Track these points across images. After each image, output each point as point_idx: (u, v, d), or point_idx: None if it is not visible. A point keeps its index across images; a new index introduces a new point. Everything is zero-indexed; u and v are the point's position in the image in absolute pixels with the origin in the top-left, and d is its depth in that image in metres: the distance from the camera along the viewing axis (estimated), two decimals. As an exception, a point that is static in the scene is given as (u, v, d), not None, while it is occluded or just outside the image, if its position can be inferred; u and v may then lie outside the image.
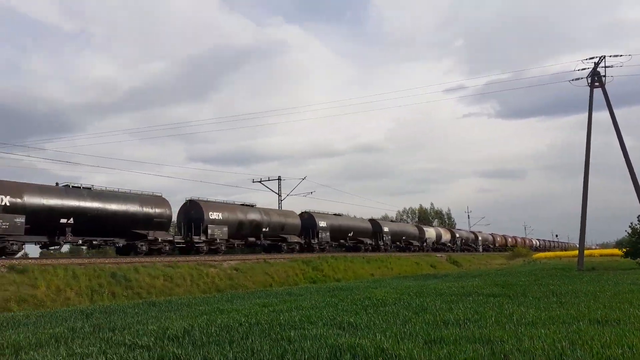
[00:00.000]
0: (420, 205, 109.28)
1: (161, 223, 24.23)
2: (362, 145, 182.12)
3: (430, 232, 54.21)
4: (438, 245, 54.92)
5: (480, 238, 69.72)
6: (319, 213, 37.07)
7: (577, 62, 45.04)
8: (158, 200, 24.82)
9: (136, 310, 9.94)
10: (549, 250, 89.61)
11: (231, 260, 24.37)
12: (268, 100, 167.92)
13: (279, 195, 48.99)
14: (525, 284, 12.96)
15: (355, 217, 43.99)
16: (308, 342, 5.51)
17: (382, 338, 5.57)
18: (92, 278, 16.42)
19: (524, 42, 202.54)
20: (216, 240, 26.54)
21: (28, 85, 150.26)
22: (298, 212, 35.82)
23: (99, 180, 67.78)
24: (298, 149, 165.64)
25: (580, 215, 25.05)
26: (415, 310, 8.01)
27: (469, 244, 64.48)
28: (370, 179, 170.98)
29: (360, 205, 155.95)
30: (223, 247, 27.43)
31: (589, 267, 24.48)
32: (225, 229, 27.13)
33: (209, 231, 26.04)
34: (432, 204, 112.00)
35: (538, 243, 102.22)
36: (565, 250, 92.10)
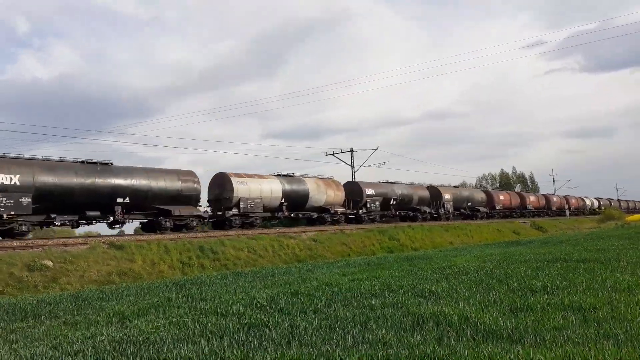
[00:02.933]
0: (502, 169, 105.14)
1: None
2: (435, 112, 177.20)
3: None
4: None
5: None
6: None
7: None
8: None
9: (224, 280, 10.50)
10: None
11: (309, 231, 24.94)
12: (335, 72, 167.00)
13: (352, 167, 49.07)
14: (618, 248, 12.17)
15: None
16: (390, 309, 5.58)
17: (465, 306, 5.51)
18: (182, 252, 17.51)
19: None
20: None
21: (111, 73, 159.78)
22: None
23: (181, 160, 71.20)
24: (368, 119, 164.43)
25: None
26: (499, 278, 7.80)
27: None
28: (445, 146, 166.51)
29: (436, 173, 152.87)
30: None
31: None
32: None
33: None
34: (514, 167, 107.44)
35: (630, 205, 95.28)
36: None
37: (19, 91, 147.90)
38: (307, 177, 31.05)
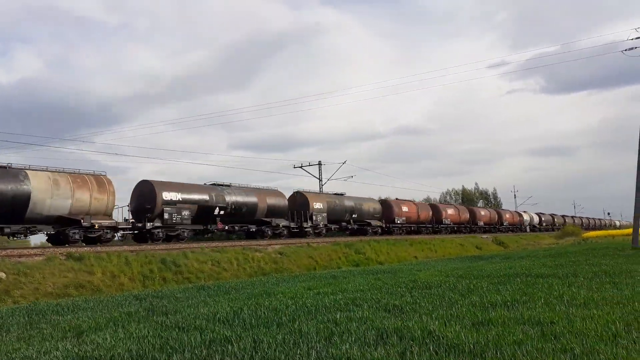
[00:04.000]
0: (463, 186, 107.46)
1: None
2: (403, 127, 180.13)
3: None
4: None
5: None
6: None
7: (631, 31, 42.65)
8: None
9: (186, 294, 10.29)
10: (600, 229, 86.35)
11: (276, 244, 24.78)
12: (307, 85, 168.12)
13: (320, 180, 49.23)
14: (575, 264, 12.58)
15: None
16: (354, 324, 5.58)
17: (429, 320, 5.56)
18: (144, 264, 17.08)
19: (571, 11, 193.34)
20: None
21: (77, 80, 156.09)
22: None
23: (146, 170, 69.89)
24: (338, 133, 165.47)
25: (635, 190, 23.97)
26: (462, 292, 7.93)
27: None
28: (412, 161, 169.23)
29: (401, 188, 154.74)
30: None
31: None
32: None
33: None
34: (476, 184, 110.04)
35: (588, 222, 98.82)
36: (618, 228, 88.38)
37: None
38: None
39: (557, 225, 76.86)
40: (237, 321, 6.15)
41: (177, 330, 5.85)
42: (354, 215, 36.85)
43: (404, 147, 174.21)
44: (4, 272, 13.73)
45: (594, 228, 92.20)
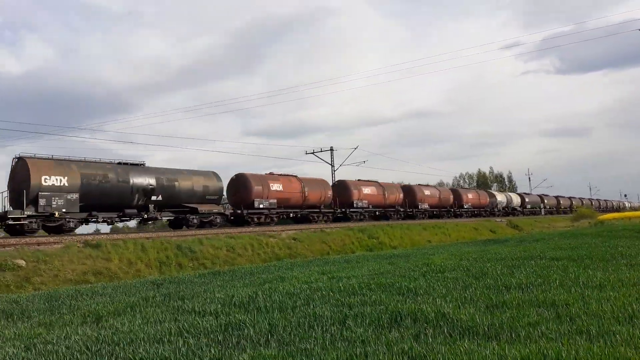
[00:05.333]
0: (479, 169, 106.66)
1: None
2: (415, 111, 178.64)
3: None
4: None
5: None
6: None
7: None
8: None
9: (202, 279, 10.41)
10: (616, 211, 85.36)
11: (289, 230, 24.91)
12: (315, 70, 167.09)
13: (332, 166, 49.16)
14: (591, 246, 12.47)
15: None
16: (368, 307, 5.61)
17: (443, 303, 5.58)
18: (160, 250, 17.30)
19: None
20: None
21: (86, 68, 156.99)
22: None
23: (159, 158, 70.50)
24: (348, 118, 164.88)
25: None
26: (476, 275, 7.92)
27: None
28: (424, 145, 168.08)
29: (414, 172, 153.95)
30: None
31: (662, 228, 23.10)
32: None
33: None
34: (491, 167, 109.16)
35: (606, 204, 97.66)
36: (629, 210, 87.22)
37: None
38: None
39: (563, 207, 75.79)
40: (252, 305, 6.22)
41: (193, 314, 5.94)
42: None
43: (415, 131, 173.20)
44: (24, 260, 14.01)
45: (611, 210, 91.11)
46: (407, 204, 41.10)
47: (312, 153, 49.95)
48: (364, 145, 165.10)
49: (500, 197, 57.53)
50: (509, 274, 7.86)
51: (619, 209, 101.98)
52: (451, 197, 48.62)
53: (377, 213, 38.79)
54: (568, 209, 76.52)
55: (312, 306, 5.92)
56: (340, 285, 7.49)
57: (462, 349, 3.78)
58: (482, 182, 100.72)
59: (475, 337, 4.20)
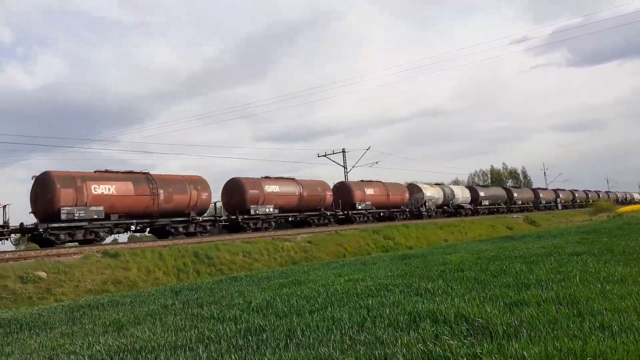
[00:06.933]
0: (492, 166, 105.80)
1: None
2: (425, 109, 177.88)
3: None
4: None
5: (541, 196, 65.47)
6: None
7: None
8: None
9: (220, 285, 10.47)
10: (635, 204, 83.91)
11: (304, 233, 24.94)
12: (325, 73, 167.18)
13: (345, 168, 49.15)
14: (611, 240, 12.28)
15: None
16: (387, 309, 5.59)
17: (461, 303, 5.54)
18: (177, 258, 17.45)
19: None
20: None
21: (97, 79, 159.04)
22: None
23: (173, 165, 71.13)
24: (360, 120, 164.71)
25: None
26: (494, 273, 7.85)
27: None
28: (437, 143, 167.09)
29: (427, 171, 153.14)
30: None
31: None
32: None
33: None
34: (504, 163, 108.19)
35: (624, 197, 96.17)
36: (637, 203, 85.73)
37: (5, 100, 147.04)
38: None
39: (579, 201, 74.85)
40: (270, 310, 6.25)
41: (212, 321, 5.98)
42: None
43: (427, 129, 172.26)
44: (45, 272, 14.22)
45: (630, 202, 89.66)
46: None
47: (325, 155, 50.07)
48: (376, 145, 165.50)
49: (430, 192, 43.83)
50: (527, 270, 7.78)
51: (638, 201, 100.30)
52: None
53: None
54: (584, 202, 75.54)
55: (330, 309, 5.93)
56: (358, 287, 7.49)
57: (482, 349, 3.76)
58: (497, 178, 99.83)
59: (495, 337, 4.17)
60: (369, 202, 35.71)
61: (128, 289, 13.94)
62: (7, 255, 15.16)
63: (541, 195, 64.73)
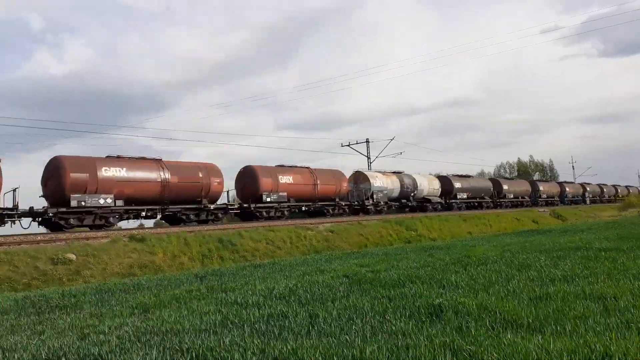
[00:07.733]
0: (519, 158, 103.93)
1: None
2: (450, 99, 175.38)
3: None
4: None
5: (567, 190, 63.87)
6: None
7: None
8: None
9: (243, 272, 10.60)
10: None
11: (326, 222, 25.01)
12: (349, 62, 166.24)
13: (368, 158, 48.96)
14: (641, 237, 11.97)
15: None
16: (409, 300, 5.60)
17: (485, 296, 5.51)
18: (202, 244, 17.73)
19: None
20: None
21: (124, 66, 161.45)
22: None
23: (200, 153, 72.04)
24: (383, 109, 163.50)
25: None
26: (518, 267, 7.76)
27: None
28: (462, 134, 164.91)
29: (452, 162, 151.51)
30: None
31: None
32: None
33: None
34: (531, 156, 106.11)
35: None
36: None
37: (34, 87, 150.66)
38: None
39: (608, 196, 72.98)
40: (292, 297, 6.31)
41: (236, 306, 6.08)
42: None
43: (451, 119, 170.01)
44: (74, 254, 14.64)
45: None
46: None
47: (348, 145, 49.93)
48: (400, 136, 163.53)
49: (381, 182, 35.83)
50: (553, 265, 7.67)
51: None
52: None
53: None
54: (613, 197, 73.70)
55: (351, 298, 5.96)
56: (380, 277, 7.50)
57: (505, 342, 3.74)
58: (524, 171, 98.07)
59: (519, 330, 4.14)
60: (284, 193, 28.57)
61: (154, 273, 14.24)
62: (39, 237, 15.63)
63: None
